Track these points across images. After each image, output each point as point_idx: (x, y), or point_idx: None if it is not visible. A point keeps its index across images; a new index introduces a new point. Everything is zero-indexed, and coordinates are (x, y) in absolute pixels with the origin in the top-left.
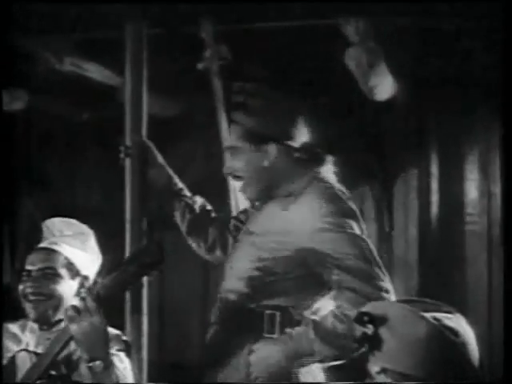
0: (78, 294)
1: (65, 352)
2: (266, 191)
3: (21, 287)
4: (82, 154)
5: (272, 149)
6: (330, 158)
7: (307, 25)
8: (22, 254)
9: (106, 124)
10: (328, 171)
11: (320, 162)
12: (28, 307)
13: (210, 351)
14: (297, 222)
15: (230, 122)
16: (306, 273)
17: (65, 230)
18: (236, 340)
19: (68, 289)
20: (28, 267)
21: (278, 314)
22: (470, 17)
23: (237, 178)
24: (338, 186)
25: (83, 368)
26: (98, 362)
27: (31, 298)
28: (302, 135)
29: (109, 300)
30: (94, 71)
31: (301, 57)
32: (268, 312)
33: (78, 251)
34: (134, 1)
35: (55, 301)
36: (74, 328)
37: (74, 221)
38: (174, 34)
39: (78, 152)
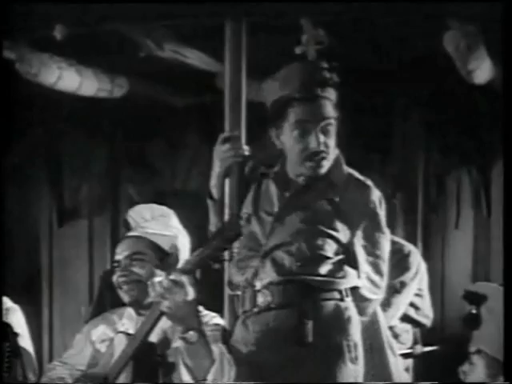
0: (165, 270)
1: (160, 334)
2: None
3: (114, 278)
4: (182, 140)
5: None
6: None
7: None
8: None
9: (206, 110)
10: None
11: None
12: (122, 294)
13: None
14: None
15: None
16: None
17: (145, 216)
18: None
19: (156, 271)
20: (117, 257)
21: None
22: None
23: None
24: None
25: (177, 341)
26: (191, 332)
27: (123, 286)
28: None
29: (195, 272)
30: (194, 58)
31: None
32: None
33: (161, 233)
34: None
35: (145, 284)
36: (165, 304)
37: (153, 205)
38: (271, 20)
39: (178, 138)
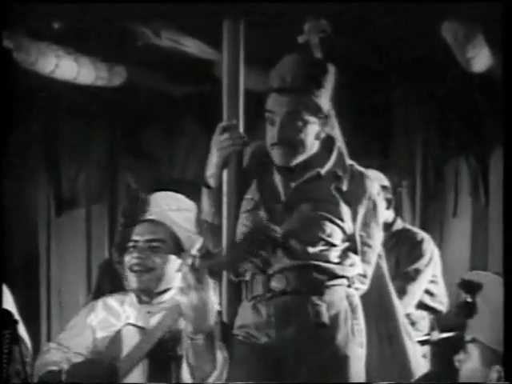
0: (189, 267)
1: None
2: None
3: (127, 258)
4: (180, 129)
5: None
6: None
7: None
8: (121, 228)
9: (204, 98)
10: None
11: None
12: (131, 278)
13: None
14: None
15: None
16: None
17: (171, 204)
18: None
19: (172, 263)
20: (136, 237)
21: None
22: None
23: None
24: None
25: (185, 338)
26: (199, 336)
27: (136, 268)
28: None
29: (220, 275)
30: (192, 46)
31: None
32: None
33: (182, 226)
34: None
35: (158, 273)
36: (183, 300)
37: (180, 196)
38: (270, 20)
39: (177, 126)
